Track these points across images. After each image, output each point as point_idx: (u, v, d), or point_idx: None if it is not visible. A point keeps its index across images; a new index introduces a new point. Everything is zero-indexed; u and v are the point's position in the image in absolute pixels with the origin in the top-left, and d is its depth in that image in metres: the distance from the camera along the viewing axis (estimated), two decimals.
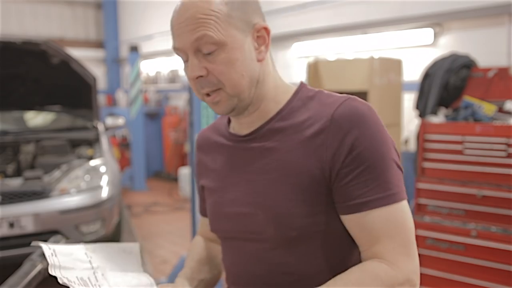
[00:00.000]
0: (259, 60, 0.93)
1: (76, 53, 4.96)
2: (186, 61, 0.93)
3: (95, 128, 4.37)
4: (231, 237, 1.01)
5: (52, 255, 0.90)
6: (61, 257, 0.91)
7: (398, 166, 0.89)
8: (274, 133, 0.95)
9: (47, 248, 0.92)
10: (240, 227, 0.97)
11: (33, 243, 0.97)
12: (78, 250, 0.96)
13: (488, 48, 4.19)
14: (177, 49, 0.92)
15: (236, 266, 1.01)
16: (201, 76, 0.90)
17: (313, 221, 0.90)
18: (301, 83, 1.01)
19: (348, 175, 0.87)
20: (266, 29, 0.93)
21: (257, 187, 0.94)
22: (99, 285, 0.87)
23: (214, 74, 0.89)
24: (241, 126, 1.00)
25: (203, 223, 1.19)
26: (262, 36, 0.93)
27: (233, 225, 0.98)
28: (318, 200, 0.89)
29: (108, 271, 0.93)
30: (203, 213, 1.17)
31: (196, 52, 0.90)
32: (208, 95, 0.92)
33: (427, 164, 3.04)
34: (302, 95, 0.97)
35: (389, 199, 0.86)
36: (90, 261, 0.94)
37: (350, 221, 0.88)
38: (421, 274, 0.90)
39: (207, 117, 3.18)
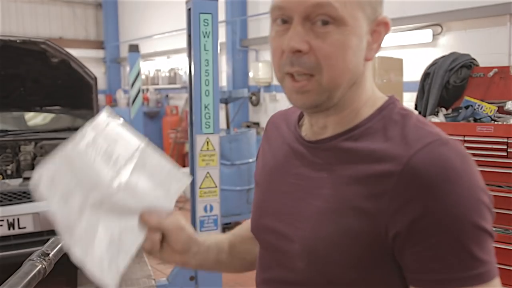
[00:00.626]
0: (367, 59, 0.77)
1: (76, 53, 4.96)
2: (283, 24, 0.75)
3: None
4: (265, 247, 0.90)
5: (98, 128, 0.84)
6: (102, 141, 0.83)
7: (489, 233, 0.70)
8: (338, 153, 0.78)
9: (104, 119, 0.85)
10: (273, 246, 0.86)
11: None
12: (132, 143, 0.86)
13: (488, 48, 4.20)
14: (280, 8, 0.74)
15: (264, 276, 0.91)
16: (299, 52, 0.73)
17: (353, 275, 0.74)
18: (392, 98, 0.81)
19: (420, 243, 0.68)
20: (386, 25, 0.77)
21: (304, 210, 0.80)
22: (120, 170, 0.80)
23: (316, 54, 0.72)
24: (311, 128, 0.84)
25: None
26: (378, 32, 0.77)
27: (268, 239, 0.87)
28: (368, 254, 0.73)
29: (141, 173, 0.84)
30: None
31: (305, 20, 0.72)
32: (294, 79, 0.75)
33: None
34: (386, 115, 0.78)
35: (473, 280, 0.67)
36: (133, 155, 0.84)
37: None
38: None
39: (207, 117, 3.18)
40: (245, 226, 1.07)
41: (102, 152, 0.81)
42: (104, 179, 0.79)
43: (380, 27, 0.77)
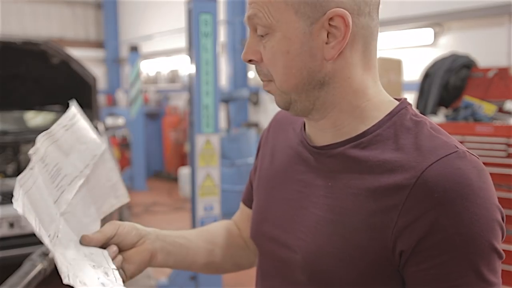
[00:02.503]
0: (327, 58, 0.70)
1: (76, 53, 4.96)
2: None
3: (95, 128, 4.37)
4: (264, 255, 0.87)
5: (66, 127, 0.82)
6: (69, 137, 0.82)
7: (498, 253, 0.66)
8: (345, 161, 0.74)
9: (73, 114, 0.83)
10: (273, 254, 0.83)
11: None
12: (92, 147, 0.84)
13: (488, 48, 4.20)
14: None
15: (264, 284, 0.89)
16: (255, 61, 0.76)
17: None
18: (404, 102, 0.76)
19: (427, 261, 0.65)
20: (343, 19, 0.68)
21: (306, 219, 0.77)
22: (63, 190, 0.78)
23: (264, 63, 0.75)
24: (311, 131, 0.81)
25: (241, 210, 1.04)
26: (336, 27, 0.69)
27: (268, 247, 0.85)
28: (374, 271, 0.70)
29: (84, 189, 0.82)
30: (246, 200, 1.02)
31: (254, 31, 0.75)
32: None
33: None
34: (397, 121, 0.73)
35: None
36: (87, 166, 0.82)
37: None
38: None
39: (207, 117, 3.18)
40: (224, 224, 1.04)
41: (51, 170, 0.78)
42: (50, 207, 0.77)
43: (335, 21, 0.68)
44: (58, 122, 0.82)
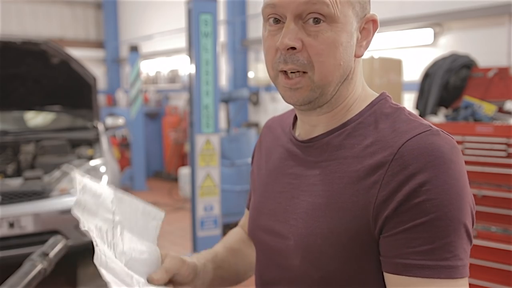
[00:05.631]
0: (357, 56, 0.78)
1: (76, 53, 4.96)
2: (275, 24, 0.76)
3: (95, 128, 4.37)
4: (261, 249, 0.91)
5: (82, 191, 0.82)
6: (88, 197, 0.83)
7: (468, 235, 0.69)
8: (331, 149, 0.79)
9: (79, 179, 0.82)
10: (269, 246, 0.86)
11: (67, 169, 0.87)
12: (107, 194, 0.87)
13: (488, 48, 4.20)
14: (273, 5, 0.74)
15: (262, 278, 0.92)
16: (293, 49, 0.74)
17: (344, 267, 0.74)
18: (383, 94, 0.82)
19: (398, 226, 0.68)
20: (375, 23, 0.79)
21: (298, 207, 0.81)
22: (114, 244, 0.80)
23: (308, 52, 0.73)
24: (303, 127, 0.85)
25: (246, 215, 1.08)
26: (367, 30, 0.78)
27: (264, 240, 0.88)
28: (357, 246, 0.73)
29: (125, 231, 0.86)
30: (248, 206, 1.06)
31: (297, 18, 0.73)
32: (287, 76, 0.76)
33: None
34: (377, 109, 0.79)
35: (441, 271, 0.66)
36: (113, 212, 0.85)
37: (389, 282, 0.71)
38: None
39: (207, 117, 3.18)
40: (238, 231, 1.09)
41: (97, 235, 0.80)
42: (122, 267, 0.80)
43: (368, 25, 0.78)
44: (77, 190, 0.84)
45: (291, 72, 0.75)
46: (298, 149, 0.85)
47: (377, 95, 0.82)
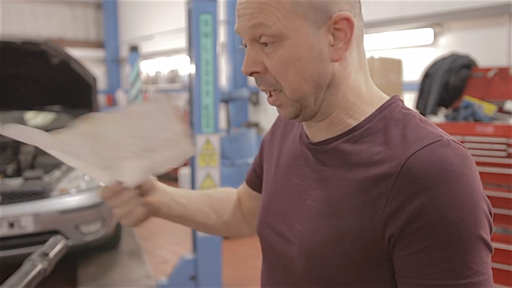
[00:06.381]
0: (334, 60, 0.73)
1: (76, 53, 4.96)
2: (246, 47, 0.78)
3: None
4: (268, 248, 0.91)
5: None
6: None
7: (486, 244, 0.66)
8: (338, 155, 0.77)
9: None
10: (275, 247, 0.86)
11: None
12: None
13: (488, 48, 4.20)
14: (237, 32, 0.77)
15: (268, 279, 0.92)
16: (257, 73, 0.75)
17: (351, 278, 0.73)
18: (394, 97, 0.78)
19: (412, 246, 0.66)
20: (348, 21, 0.72)
21: (303, 211, 0.80)
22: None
23: (271, 73, 0.74)
24: (309, 130, 0.84)
25: (244, 186, 1.12)
26: (341, 29, 0.72)
27: (270, 239, 0.88)
28: (364, 257, 0.71)
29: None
30: (248, 181, 1.09)
31: (253, 41, 0.74)
32: (269, 94, 0.77)
33: None
34: (388, 114, 0.75)
35: None
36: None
37: None
38: None
39: (207, 117, 3.18)
40: (221, 189, 1.15)
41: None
42: None
43: (341, 24, 0.72)
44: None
45: (268, 91, 0.77)
46: (308, 150, 0.83)
47: (387, 98, 0.79)
